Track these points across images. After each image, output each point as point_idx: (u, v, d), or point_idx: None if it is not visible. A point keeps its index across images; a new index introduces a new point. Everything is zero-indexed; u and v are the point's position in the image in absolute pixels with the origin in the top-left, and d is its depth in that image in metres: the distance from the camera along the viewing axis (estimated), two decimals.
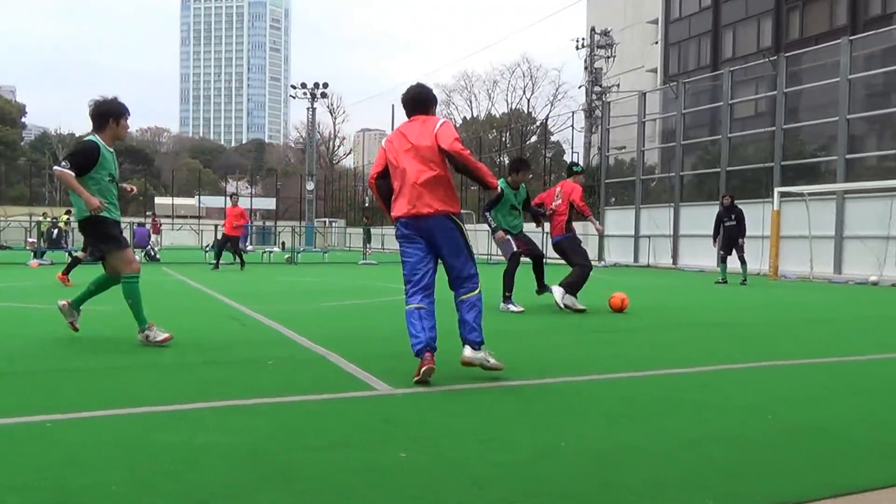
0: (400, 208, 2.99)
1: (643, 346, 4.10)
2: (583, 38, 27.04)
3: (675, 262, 16.83)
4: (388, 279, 10.05)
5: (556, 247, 6.20)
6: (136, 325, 3.79)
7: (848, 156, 13.23)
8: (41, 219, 17.30)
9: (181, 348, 3.69)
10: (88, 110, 3.72)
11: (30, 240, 16.31)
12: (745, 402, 2.68)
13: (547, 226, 6.31)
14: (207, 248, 16.53)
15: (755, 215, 12.18)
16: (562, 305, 5.67)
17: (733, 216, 10.34)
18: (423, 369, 2.79)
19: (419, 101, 3.11)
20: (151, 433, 2.11)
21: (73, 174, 3.52)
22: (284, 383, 2.87)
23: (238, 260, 12.28)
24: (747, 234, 10.43)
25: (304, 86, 33.47)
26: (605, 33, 26.34)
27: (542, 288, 6.12)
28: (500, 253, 6.02)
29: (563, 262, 6.32)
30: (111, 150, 3.77)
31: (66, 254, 15.06)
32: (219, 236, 16.25)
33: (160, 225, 22.46)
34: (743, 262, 10.37)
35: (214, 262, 12.43)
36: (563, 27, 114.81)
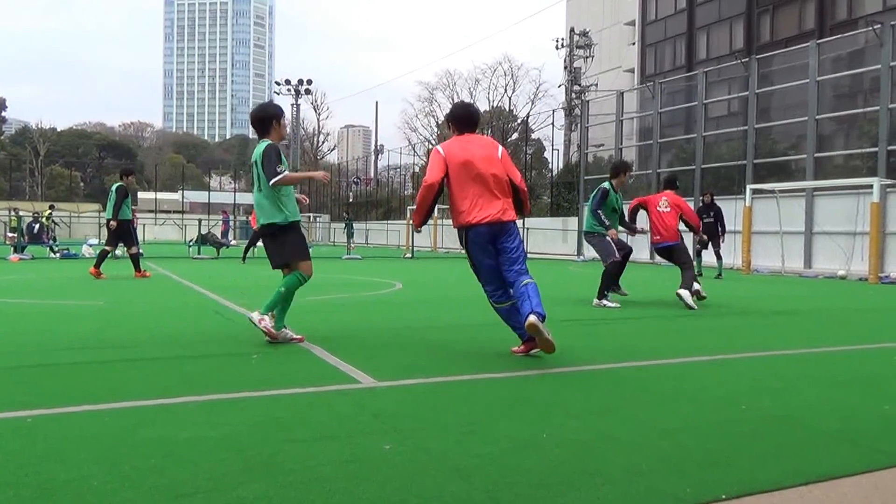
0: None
1: (620, 339, 4.18)
2: (562, 39, 27.44)
3: (651, 258, 17.26)
4: (372, 273, 10.16)
5: (670, 250, 6.63)
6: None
7: (817, 154, 13.71)
8: (23, 214, 17.11)
9: (165, 342, 3.66)
10: (251, 119, 3.88)
11: (9, 234, 16.12)
12: (720, 392, 2.75)
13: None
14: (191, 243, 16.52)
15: (728, 211, 12.54)
16: (693, 305, 5.99)
17: (712, 213, 10.83)
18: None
19: (475, 120, 3.52)
20: (134, 428, 2.10)
21: (288, 172, 3.66)
22: (269, 377, 2.87)
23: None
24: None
25: (288, 82, 33.35)
26: (584, 34, 26.77)
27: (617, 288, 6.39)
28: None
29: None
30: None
31: (48, 249, 14.98)
32: (203, 231, 16.27)
33: (136, 220, 22.22)
34: (719, 258, 10.76)
35: (242, 256, 13.19)
36: (543, 28, 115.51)
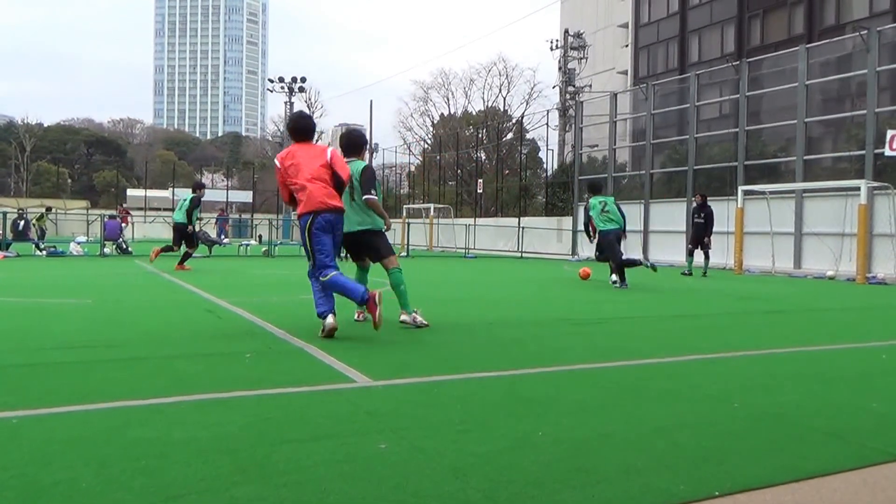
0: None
1: (614, 338, 4.20)
2: (557, 40, 27.57)
3: (645, 257, 17.38)
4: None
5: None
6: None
7: (806, 157, 13.88)
8: (8, 211, 16.86)
9: (156, 342, 3.62)
10: (342, 141, 4.55)
11: None
12: (712, 390, 2.77)
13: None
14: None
15: (720, 212, 12.70)
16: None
17: (702, 214, 11.06)
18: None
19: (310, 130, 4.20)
20: (125, 429, 2.07)
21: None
22: (262, 376, 2.85)
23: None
24: (714, 230, 11.18)
25: (281, 80, 33.16)
26: (578, 35, 26.91)
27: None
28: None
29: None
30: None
31: (34, 246, 14.78)
32: (196, 229, 16.11)
33: (130, 218, 22.01)
34: (706, 257, 11.06)
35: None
36: (537, 29, 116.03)
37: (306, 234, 3.88)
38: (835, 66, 14.05)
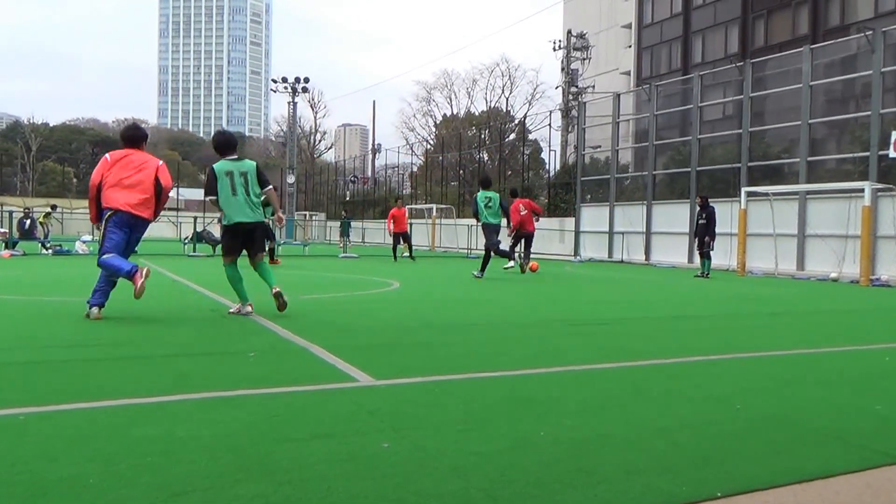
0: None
1: (615, 339, 4.20)
2: (560, 41, 27.54)
3: (647, 258, 17.34)
4: (369, 272, 10.09)
5: (529, 236, 11.18)
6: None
7: (809, 158, 13.84)
8: (14, 209, 16.98)
9: (159, 340, 3.64)
10: (218, 141, 5.10)
11: (1, 230, 15.97)
12: (714, 392, 2.77)
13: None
14: (186, 241, 16.45)
15: (724, 213, 12.69)
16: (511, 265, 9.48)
17: (704, 215, 11.11)
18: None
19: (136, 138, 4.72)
20: (130, 426, 2.09)
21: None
22: (266, 375, 2.86)
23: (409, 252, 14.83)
24: (718, 231, 11.21)
25: (284, 80, 33.23)
26: (581, 36, 26.88)
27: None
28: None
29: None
30: (230, 168, 4.85)
31: (40, 245, 14.86)
32: (198, 229, 16.21)
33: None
34: (706, 258, 11.15)
35: (393, 256, 14.52)
36: (540, 29, 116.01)
37: (104, 224, 4.51)
38: (839, 66, 14.01)
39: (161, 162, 4.77)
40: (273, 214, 5.40)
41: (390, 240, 16.44)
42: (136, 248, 4.83)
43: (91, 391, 2.55)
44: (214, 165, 4.84)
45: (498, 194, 9.51)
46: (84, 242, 15.09)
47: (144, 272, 4.35)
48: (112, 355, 3.31)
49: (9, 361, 3.11)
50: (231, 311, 4.88)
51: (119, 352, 3.39)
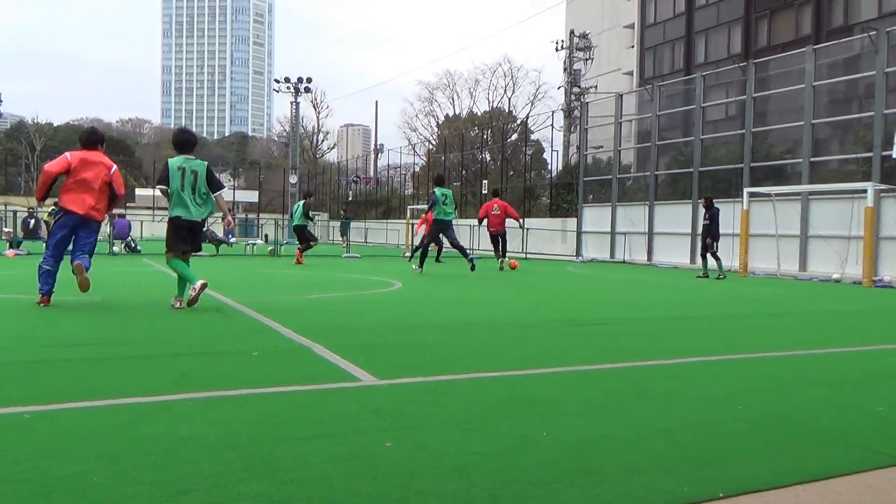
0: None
1: (617, 339, 4.20)
2: (562, 41, 27.51)
3: (649, 259, 17.32)
4: (372, 272, 10.10)
5: (500, 236, 12.10)
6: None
7: (812, 159, 13.80)
8: (19, 209, 17.06)
9: (163, 339, 3.66)
10: (177, 139, 5.52)
11: (5, 229, 16.05)
12: (715, 392, 2.77)
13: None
14: None
15: (726, 214, 12.64)
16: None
17: (708, 216, 11.10)
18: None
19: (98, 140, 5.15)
20: (133, 425, 2.10)
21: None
22: (268, 374, 2.87)
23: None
24: (720, 232, 11.19)
25: (287, 80, 33.28)
26: (584, 36, 26.84)
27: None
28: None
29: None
30: (182, 165, 5.12)
31: (44, 244, 14.88)
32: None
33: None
34: (703, 258, 11.20)
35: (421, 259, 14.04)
36: (543, 29, 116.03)
37: (54, 222, 5.05)
38: (842, 67, 13.96)
39: (115, 167, 5.18)
40: (223, 218, 5.56)
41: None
42: (92, 251, 5.16)
43: (95, 390, 2.56)
44: (169, 160, 5.20)
45: (450, 191, 10.55)
46: None
47: (81, 268, 4.91)
48: (115, 354, 3.32)
49: (13, 360, 3.13)
50: (183, 301, 5.07)
51: (122, 351, 3.41)
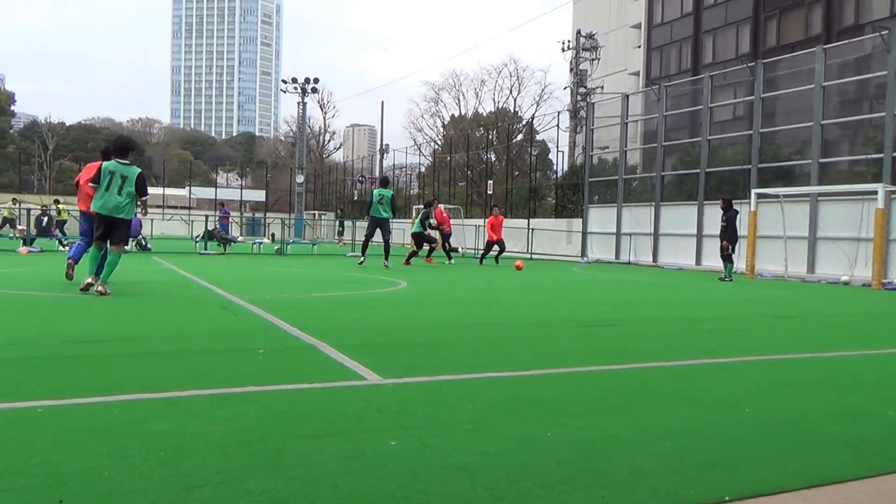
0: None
1: (623, 340, 4.19)
2: (568, 41, 27.45)
3: (655, 260, 17.24)
4: (377, 271, 10.09)
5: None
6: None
7: (821, 160, 13.67)
8: (32, 207, 17.26)
9: (172, 337, 3.70)
10: (115, 145, 6.23)
11: (19, 227, 16.24)
12: (722, 394, 2.76)
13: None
14: (198, 239, 16.61)
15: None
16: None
17: (724, 218, 11.05)
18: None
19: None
20: (142, 420, 2.13)
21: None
22: (274, 372, 2.89)
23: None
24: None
25: (294, 80, 33.43)
26: (591, 36, 26.75)
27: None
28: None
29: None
30: (114, 169, 5.89)
31: (56, 241, 15.09)
32: (210, 227, 16.36)
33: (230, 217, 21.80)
34: (727, 261, 11.16)
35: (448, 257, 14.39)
36: (549, 30, 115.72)
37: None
38: (853, 67, 13.82)
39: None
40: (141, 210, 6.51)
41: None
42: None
43: (106, 385, 2.60)
44: (104, 163, 5.96)
45: (391, 192, 11.27)
46: None
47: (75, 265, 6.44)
48: (126, 350, 3.37)
49: (27, 356, 3.18)
50: (87, 282, 5.76)
51: (133, 347, 3.45)
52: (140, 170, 6.02)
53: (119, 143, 6.12)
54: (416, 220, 13.57)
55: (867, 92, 13.85)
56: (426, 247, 13.47)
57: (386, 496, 1.61)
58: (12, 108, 51.88)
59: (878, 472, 1.90)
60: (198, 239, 16.61)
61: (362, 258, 11.47)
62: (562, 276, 11.31)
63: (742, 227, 13.14)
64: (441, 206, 16.45)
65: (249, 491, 1.61)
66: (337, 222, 22.33)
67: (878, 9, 21.46)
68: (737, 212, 11.37)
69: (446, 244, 14.57)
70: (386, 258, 10.99)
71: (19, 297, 5.70)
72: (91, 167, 6.23)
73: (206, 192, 39.76)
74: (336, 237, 19.97)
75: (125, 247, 6.25)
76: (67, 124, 56.66)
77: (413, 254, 12.77)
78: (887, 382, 3.23)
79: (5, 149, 44.59)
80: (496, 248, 14.05)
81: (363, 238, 11.69)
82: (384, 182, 12.08)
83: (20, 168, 40.52)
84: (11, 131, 49.78)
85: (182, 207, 37.00)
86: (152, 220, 24.32)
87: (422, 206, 17.30)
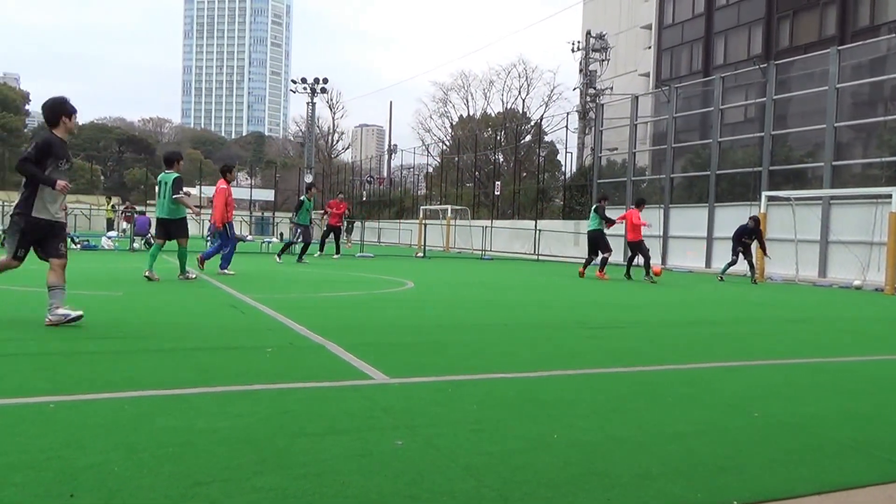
0: None
1: (631, 343, 4.17)
2: (578, 41, 27.35)
3: (664, 262, 17.12)
4: (384, 272, 10.12)
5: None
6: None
7: (834, 162, 13.50)
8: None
9: (181, 334, 3.73)
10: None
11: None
12: (731, 398, 2.74)
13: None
14: (209, 237, 16.74)
15: (742, 218, 12.49)
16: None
17: (753, 236, 11.32)
18: None
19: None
20: (152, 417, 2.15)
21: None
22: (282, 371, 2.91)
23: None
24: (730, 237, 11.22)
25: (304, 81, 33.60)
26: (601, 37, 26.63)
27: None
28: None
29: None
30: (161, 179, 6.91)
31: (69, 240, 15.21)
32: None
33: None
34: (749, 264, 11.48)
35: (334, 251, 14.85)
36: (559, 30, 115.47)
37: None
38: (868, 68, 13.64)
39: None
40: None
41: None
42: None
43: (117, 382, 2.63)
44: (159, 176, 6.94)
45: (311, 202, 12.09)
46: (110, 238, 15.47)
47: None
48: (137, 348, 3.40)
49: (40, 352, 3.22)
50: None
51: (144, 345, 3.49)
52: (176, 175, 7.06)
53: (164, 157, 7.49)
54: (592, 219, 11.56)
55: (882, 94, 13.67)
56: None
57: (392, 495, 1.62)
58: (27, 107, 52.61)
59: (890, 478, 1.87)
60: (209, 237, 16.72)
61: (301, 259, 12.24)
62: (569, 277, 11.26)
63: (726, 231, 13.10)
64: (338, 198, 16.24)
65: (256, 488, 1.62)
66: (345, 222, 22.39)
67: (894, 10, 21.16)
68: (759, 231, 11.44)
69: (328, 238, 14.75)
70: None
71: (30, 294, 5.77)
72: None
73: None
74: (344, 236, 20.03)
75: (185, 242, 7.35)
76: (80, 124, 57.21)
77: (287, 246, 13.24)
78: None
79: (19, 147, 45.17)
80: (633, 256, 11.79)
81: (307, 240, 12.61)
82: (309, 187, 12.98)
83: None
84: (26, 130, 50.46)
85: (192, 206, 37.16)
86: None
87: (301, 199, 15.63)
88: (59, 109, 4.14)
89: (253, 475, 1.69)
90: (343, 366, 3.12)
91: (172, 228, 7.18)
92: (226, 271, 8.39)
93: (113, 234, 16.75)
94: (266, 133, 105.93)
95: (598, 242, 10.47)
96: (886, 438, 2.27)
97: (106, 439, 1.92)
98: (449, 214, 25.01)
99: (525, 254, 21.09)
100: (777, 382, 3.15)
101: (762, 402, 2.70)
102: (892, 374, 3.55)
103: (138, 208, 20.19)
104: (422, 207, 27.46)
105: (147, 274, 6.99)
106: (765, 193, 13.08)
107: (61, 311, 3.90)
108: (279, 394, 2.54)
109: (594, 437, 2.15)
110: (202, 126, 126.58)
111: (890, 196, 10.81)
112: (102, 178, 49.24)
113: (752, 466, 1.92)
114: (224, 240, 8.72)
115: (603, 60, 26.78)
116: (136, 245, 14.78)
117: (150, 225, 16.36)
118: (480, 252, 20.37)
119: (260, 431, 2.05)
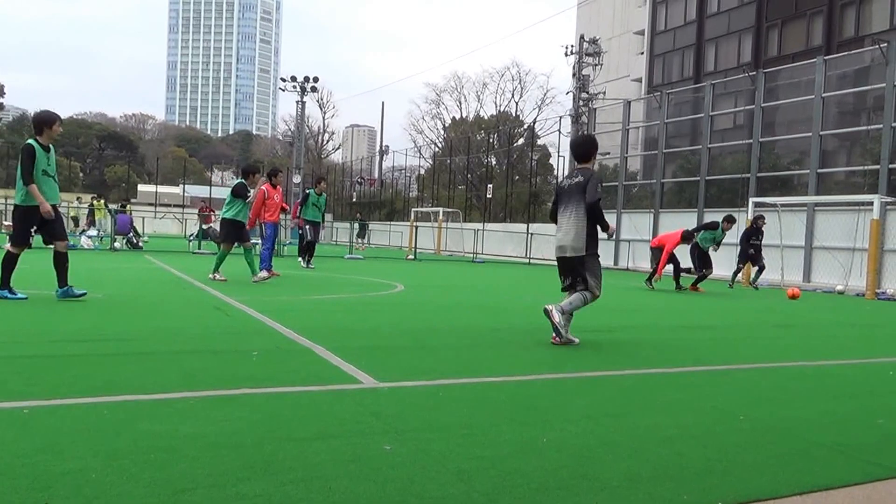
0: None
1: (621, 347, 4.20)
2: (572, 46, 27.51)
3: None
4: (374, 274, 10.13)
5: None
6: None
7: (819, 170, 13.77)
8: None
9: (165, 337, 3.66)
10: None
11: (6, 223, 16.09)
12: (718, 402, 2.77)
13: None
14: (191, 238, 16.53)
15: None
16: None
17: (759, 238, 11.26)
18: None
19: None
20: (133, 422, 2.10)
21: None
22: (269, 374, 2.87)
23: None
24: (723, 242, 11.28)
25: (293, 79, 33.38)
26: (594, 42, 26.83)
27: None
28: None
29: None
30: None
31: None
32: (204, 226, 16.29)
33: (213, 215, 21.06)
34: (760, 268, 11.42)
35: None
36: (552, 34, 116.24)
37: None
38: (852, 78, 13.93)
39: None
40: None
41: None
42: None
43: (98, 386, 2.56)
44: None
45: (324, 196, 11.71)
46: (89, 237, 15.13)
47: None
48: (119, 351, 3.33)
49: (17, 354, 3.14)
50: None
51: (126, 347, 3.42)
52: (238, 181, 7.93)
53: (241, 168, 8.81)
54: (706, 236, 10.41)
55: (865, 103, 13.97)
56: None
57: (381, 500, 1.60)
58: (2, 100, 51.45)
59: (869, 478, 1.92)
60: (191, 238, 16.51)
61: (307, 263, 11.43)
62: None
63: (736, 235, 13.21)
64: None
65: (242, 494, 1.59)
66: (357, 224, 22.12)
67: (878, 21, 21.64)
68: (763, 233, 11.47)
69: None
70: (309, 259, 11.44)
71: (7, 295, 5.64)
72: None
73: (200, 191, 39.64)
74: (356, 240, 19.81)
75: (247, 244, 7.92)
76: (61, 117, 56.11)
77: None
78: (879, 391, 3.25)
79: None
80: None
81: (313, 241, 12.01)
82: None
83: (8, 162, 40.22)
84: (0, 125, 49.40)
85: (176, 205, 36.85)
86: (143, 217, 24.20)
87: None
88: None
89: (238, 481, 1.66)
90: (332, 370, 3.09)
91: (236, 231, 7.80)
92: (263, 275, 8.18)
93: (93, 233, 16.40)
94: (254, 132, 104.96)
95: (700, 259, 10.27)
96: (866, 440, 2.32)
97: (84, 445, 1.87)
98: (440, 217, 24.99)
99: (517, 257, 21.14)
100: (763, 386, 3.19)
101: (748, 406, 2.73)
102: (872, 378, 3.62)
103: (112, 206, 19.72)
104: (413, 210, 27.41)
105: (212, 277, 7.58)
106: (752, 199, 13.27)
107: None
108: (266, 398, 2.50)
109: (584, 440, 2.15)
110: (187, 123, 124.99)
111: (872, 203, 11.03)
112: (81, 175, 48.29)
113: (738, 469, 1.94)
114: (263, 240, 9.30)
115: (596, 65, 26.98)
116: (116, 245, 14.49)
117: (131, 224, 16.08)
118: (472, 255, 20.37)
119: (246, 437, 2.02)
